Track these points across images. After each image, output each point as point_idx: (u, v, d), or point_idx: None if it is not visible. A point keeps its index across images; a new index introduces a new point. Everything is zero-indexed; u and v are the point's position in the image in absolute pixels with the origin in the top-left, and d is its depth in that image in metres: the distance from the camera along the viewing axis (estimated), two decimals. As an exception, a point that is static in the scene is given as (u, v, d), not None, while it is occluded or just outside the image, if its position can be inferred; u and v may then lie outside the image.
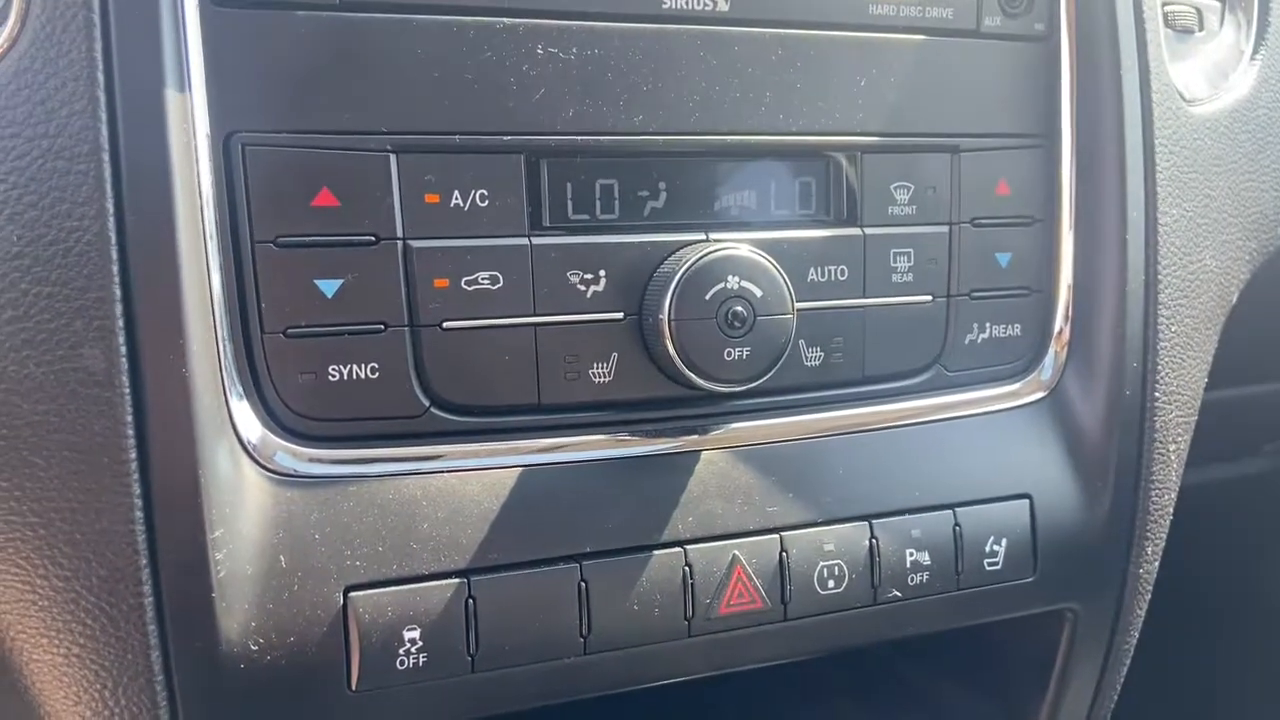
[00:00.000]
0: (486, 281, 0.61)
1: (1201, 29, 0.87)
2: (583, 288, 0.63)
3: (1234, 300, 0.87)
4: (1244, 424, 1.38)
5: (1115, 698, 0.83)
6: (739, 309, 0.62)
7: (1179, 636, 1.61)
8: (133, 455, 0.52)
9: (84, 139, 0.51)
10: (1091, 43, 0.74)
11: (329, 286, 0.58)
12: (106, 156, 0.51)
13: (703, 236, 0.65)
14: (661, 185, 0.66)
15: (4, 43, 0.51)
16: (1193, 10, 0.86)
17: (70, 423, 0.52)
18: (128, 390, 0.52)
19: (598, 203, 0.64)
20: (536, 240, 0.62)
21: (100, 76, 0.51)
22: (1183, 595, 1.59)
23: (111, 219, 0.52)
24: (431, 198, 0.60)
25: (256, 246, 0.56)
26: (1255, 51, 0.88)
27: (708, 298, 0.62)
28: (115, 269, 0.52)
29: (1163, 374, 0.76)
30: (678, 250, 0.64)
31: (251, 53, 0.56)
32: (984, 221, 0.73)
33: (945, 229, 0.72)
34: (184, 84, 0.54)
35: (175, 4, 0.53)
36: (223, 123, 0.55)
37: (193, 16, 0.54)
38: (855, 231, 0.70)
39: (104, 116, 0.51)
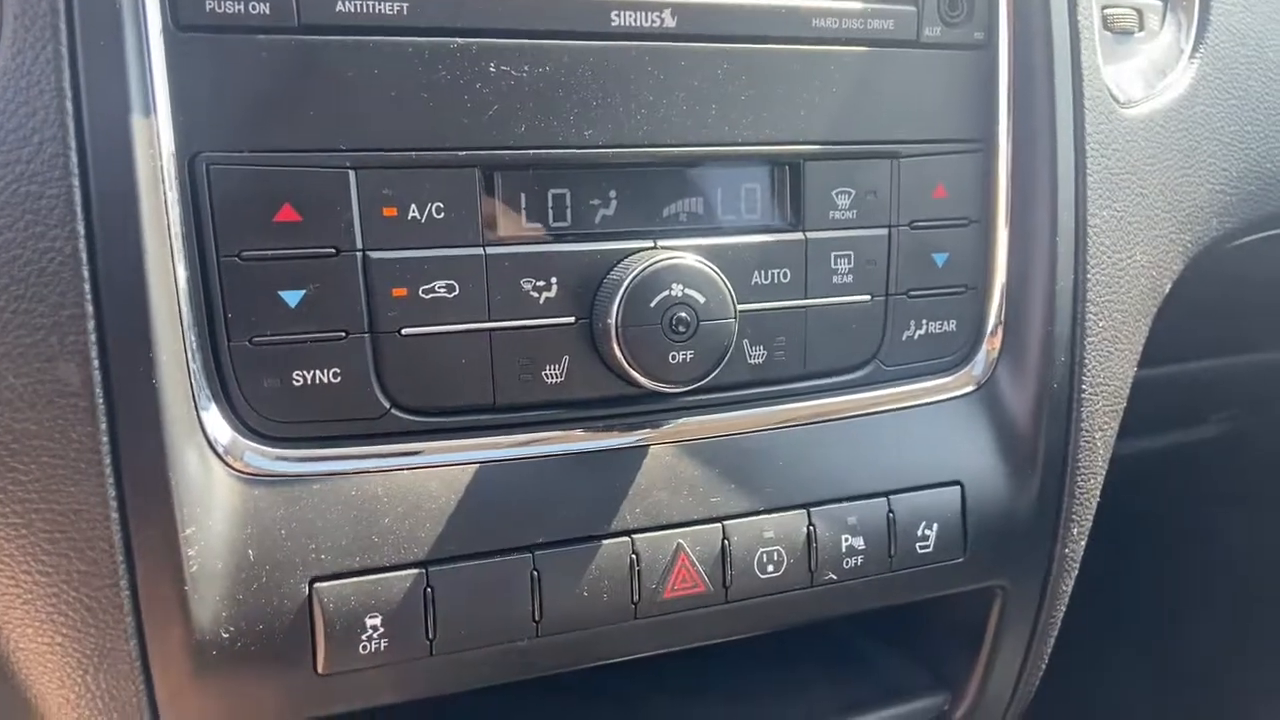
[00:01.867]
0: (443, 290, 0.64)
1: (1142, 29, 0.90)
2: (535, 294, 0.66)
3: (1166, 290, 0.91)
4: (1190, 397, 1.43)
5: (1043, 667, 0.89)
6: (683, 315, 0.66)
7: (1134, 586, 1.69)
8: (108, 460, 0.56)
9: (55, 165, 0.54)
10: (1028, 50, 0.77)
11: (292, 297, 0.61)
12: (76, 181, 0.54)
13: (650, 244, 0.69)
14: (611, 194, 0.69)
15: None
16: (1133, 12, 0.89)
17: (48, 431, 0.56)
18: (101, 400, 0.56)
19: (550, 211, 0.68)
20: (491, 250, 0.65)
21: (69, 105, 0.54)
22: (1137, 550, 1.67)
23: (83, 240, 0.55)
24: (389, 211, 0.63)
25: (222, 261, 0.59)
26: (1195, 50, 0.91)
27: (653, 304, 0.65)
28: (87, 287, 0.55)
29: (1090, 368, 0.80)
30: (626, 258, 0.68)
31: (214, 75, 0.58)
32: (922, 224, 0.77)
33: (885, 231, 0.76)
34: (149, 108, 0.57)
35: (140, 30, 0.56)
36: (188, 144, 0.58)
37: (157, 42, 0.57)
38: (798, 236, 0.73)
39: (73, 144, 0.54)
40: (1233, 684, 1.62)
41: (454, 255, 0.64)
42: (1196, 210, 0.91)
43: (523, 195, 0.67)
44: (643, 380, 0.66)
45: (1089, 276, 0.80)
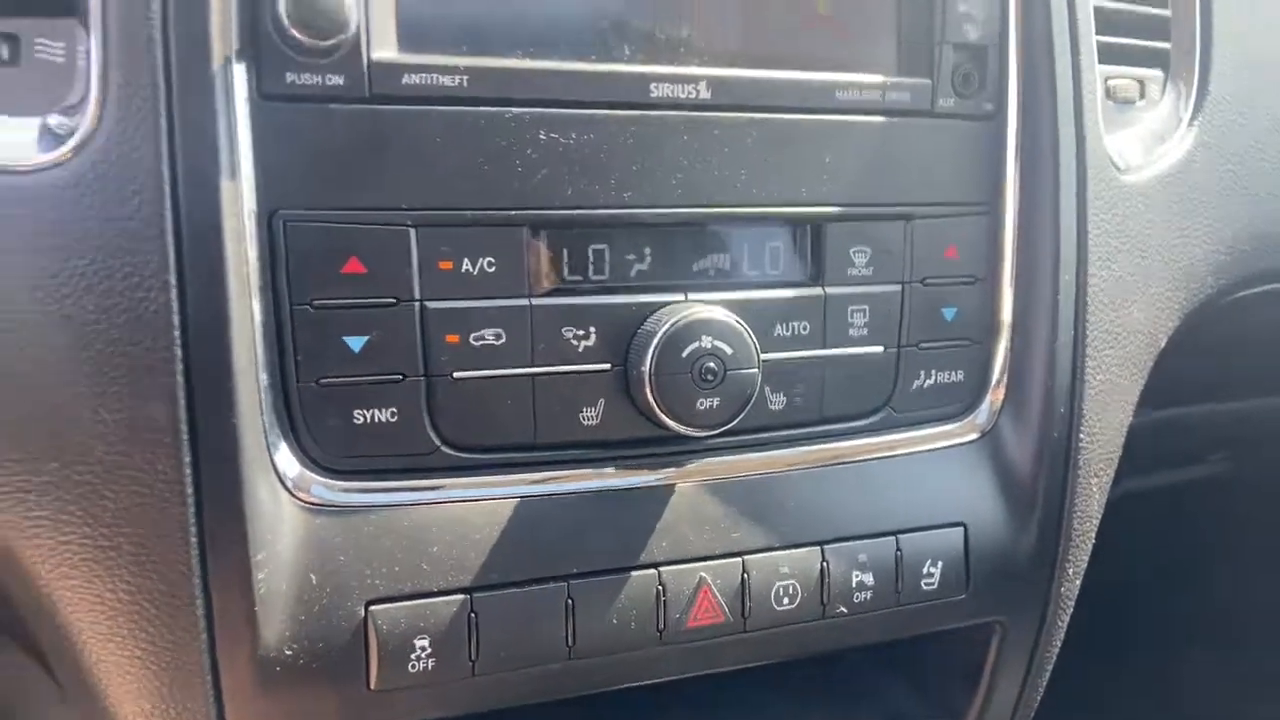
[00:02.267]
0: (492, 337, 0.70)
1: (1143, 98, 0.96)
2: (575, 342, 0.72)
3: (1162, 345, 0.96)
4: (1188, 439, 1.48)
5: (1038, 699, 0.94)
6: (711, 365, 0.71)
7: (1132, 622, 1.74)
8: (189, 491, 0.62)
9: (153, 222, 0.60)
10: (1034, 120, 0.83)
11: (356, 343, 0.67)
12: (170, 237, 0.60)
13: (681, 297, 0.74)
14: (647, 250, 0.75)
15: (82, 138, 0.59)
16: (1135, 82, 0.95)
17: (136, 462, 0.61)
18: (186, 436, 0.61)
19: (590, 265, 0.73)
20: (536, 301, 0.71)
21: (165, 169, 0.60)
22: (1135, 586, 1.71)
23: (174, 290, 0.60)
24: (445, 265, 0.68)
25: (295, 309, 0.65)
26: (1193, 118, 0.96)
27: (684, 355, 0.71)
28: (177, 333, 0.61)
29: (1088, 418, 0.86)
30: (659, 310, 0.73)
31: (292, 140, 0.64)
32: (933, 281, 0.82)
33: (898, 288, 0.81)
34: (235, 170, 0.62)
35: (229, 99, 0.62)
36: (267, 202, 0.64)
37: (243, 110, 0.63)
38: (818, 291, 0.79)
39: (169, 204, 0.60)
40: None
41: (503, 306, 0.70)
42: (1192, 269, 0.97)
43: (565, 250, 0.72)
44: (672, 424, 0.72)
45: (1088, 333, 0.85)
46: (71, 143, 0.59)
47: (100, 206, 0.59)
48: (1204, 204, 0.96)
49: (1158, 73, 0.97)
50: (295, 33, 0.61)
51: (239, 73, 0.62)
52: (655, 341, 0.71)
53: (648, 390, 0.71)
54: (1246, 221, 1.01)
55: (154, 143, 0.60)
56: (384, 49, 0.66)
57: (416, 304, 0.68)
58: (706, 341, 0.71)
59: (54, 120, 0.60)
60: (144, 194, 0.60)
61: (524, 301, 0.71)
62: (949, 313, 0.83)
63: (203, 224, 0.61)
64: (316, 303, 0.66)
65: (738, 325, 0.72)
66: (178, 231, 0.60)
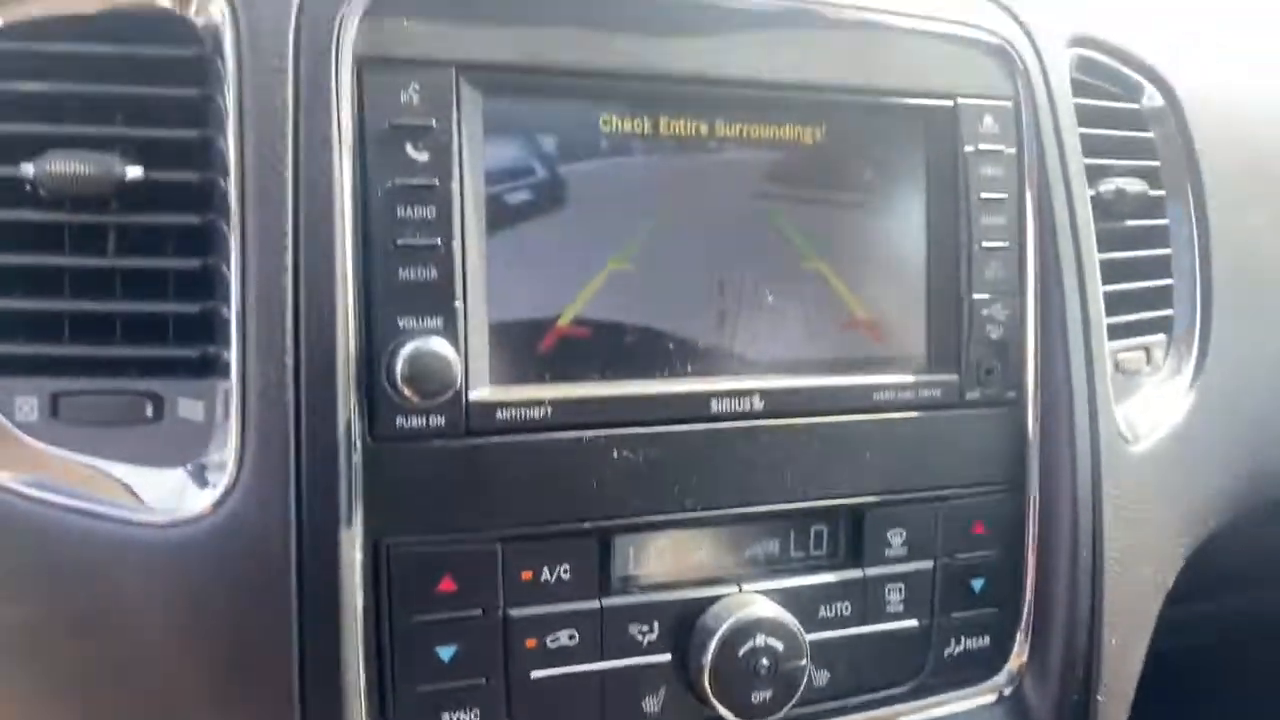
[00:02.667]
0: (566, 639, 0.77)
1: (1149, 364, 1.04)
2: (640, 638, 0.79)
3: (1170, 585, 1.03)
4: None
5: None
6: (765, 661, 0.79)
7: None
8: None
9: (281, 570, 0.67)
10: (1052, 403, 0.91)
11: (446, 653, 0.74)
12: (294, 580, 0.68)
13: (736, 589, 0.82)
14: (704, 543, 0.82)
15: (220, 494, 0.67)
16: (1142, 352, 1.03)
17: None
18: None
19: (653, 560, 0.81)
20: (606, 603, 0.78)
21: (292, 518, 0.68)
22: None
23: (295, 628, 0.68)
24: (526, 575, 0.76)
25: (395, 626, 0.72)
26: (1194, 380, 1.05)
27: (740, 654, 0.78)
28: (294, 655, 0.68)
29: (1105, 680, 0.93)
30: (716, 603, 0.80)
31: (398, 475, 0.72)
32: (962, 557, 0.90)
33: (930, 564, 0.89)
34: (351, 508, 0.70)
35: (347, 448, 0.70)
36: (373, 532, 0.71)
37: (358, 454, 0.70)
38: (858, 573, 0.86)
39: (294, 552, 0.67)
40: None
41: (576, 610, 0.77)
42: (1195, 515, 1.04)
43: (631, 550, 0.80)
44: (728, 714, 0.79)
45: (1105, 600, 0.92)
46: (210, 499, 0.67)
47: (236, 558, 0.67)
48: (1206, 455, 1.04)
49: (1161, 338, 1.05)
50: (408, 392, 0.69)
51: (356, 422, 0.70)
52: (714, 641, 0.78)
53: (706, 683, 0.78)
54: (1247, 464, 1.09)
55: (284, 498, 0.67)
56: (479, 388, 0.74)
57: (500, 612, 0.75)
58: (760, 640, 0.79)
59: (193, 476, 0.68)
60: (274, 544, 0.67)
61: (595, 604, 0.78)
62: (977, 584, 0.91)
63: (320, 566, 0.69)
64: (414, 620, 0.73)
65: (788, 623, 0.80)
66: (300, 575, 0.68)
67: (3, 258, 0.69)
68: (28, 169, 0.67)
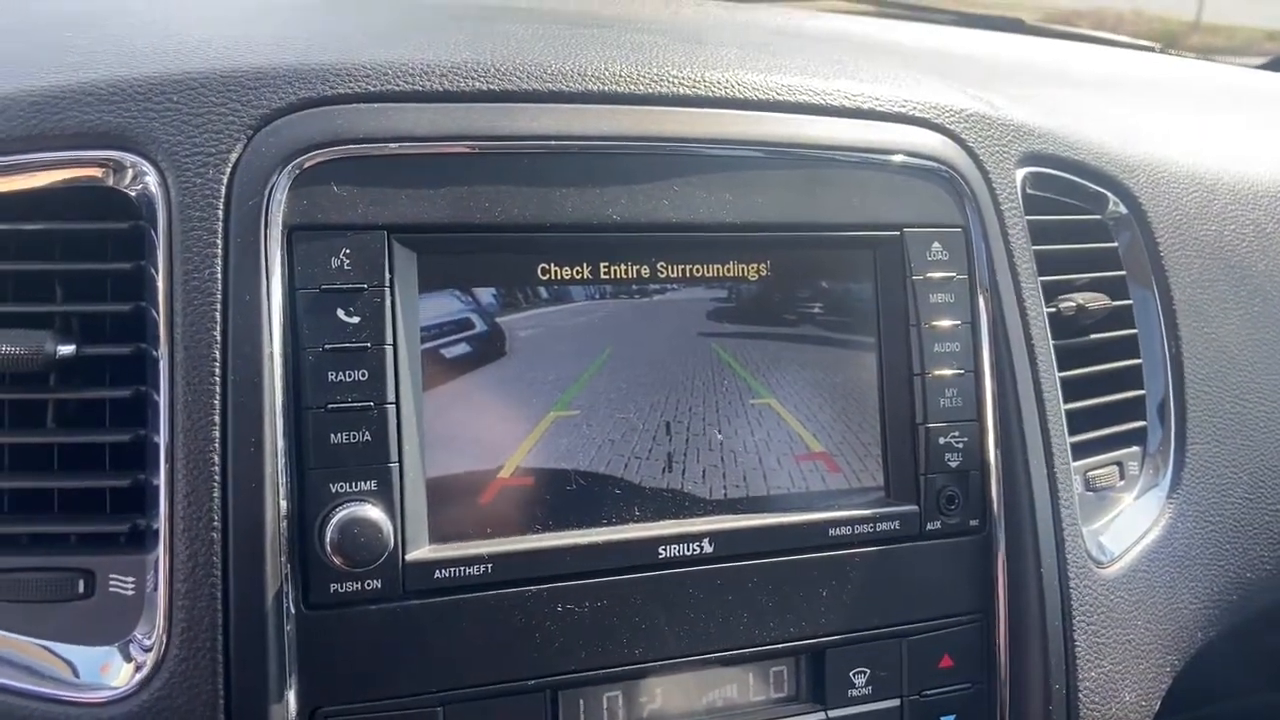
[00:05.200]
0: (516, 799, 0.75)
1: (1122, 479, 1.02)
2: None
3: (1156, 709, 1.00)
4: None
5: None
6: None
7: None
8: None
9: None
10: (1017, 529, 0.89)
11: None
12: None
13: (697, 732, 0.80)
14: (658, 690, 0.80)
15: (147, 672, 0.67)
16: (1114, 468, 1.01)
17: None
18: None
19: (604, 713, 0.79)
20: (555, 761, 0.76)
21: (221, 698, 0.67)
22: None
23: None
24: (471, 737, 0.74)
25: None
26: (1171, 493, 1.02)
27: None
28: None
29: (1086, 817, 0.89)
30: None
31: (333, 643, 0.71)
32: (930, 693, 0.87)
33: (897, 702, 0.86)
34: (284, 683, 0.69)
35: (279, 618, 0.69)
36: (309, 702, 0.70)
37: (290, 623, 0.70)
38: (820, 715, 0.84)
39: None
40: None
41: (525, 770, 0.75)
42: (1181, 632, 1.01)
43: (581, 704, 0.78)
44: None
45: (1081, 732, 0.89)
46: (138, 676, 0.66)
47: (162, 740, 0.66)
48: (1188, 569, 1.01)
49: (1136, 450, 1.03)
50: (338, 560, 0.69)
51: (289, 590, 0.69)
52: None
53: None
54: (1235, 573, 1.06)
55: (213, 672, 0.67)
56: (417, 548, 0.73)
57: (449, 805, 0.73)
58: (718, 792, 0.76)
59: (122, 652, 0.67)
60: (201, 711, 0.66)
61: (544, 762, 0.76)
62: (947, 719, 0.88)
63: None
64: (351, 791, 0.71)
65: None
66: None
67: (-59, 436, 0.70)
68: (-40, 350, 0.68)
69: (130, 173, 0.71)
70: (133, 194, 0.71)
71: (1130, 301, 1.04)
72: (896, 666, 0.86)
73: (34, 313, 0.71)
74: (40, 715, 0.67)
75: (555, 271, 0.79)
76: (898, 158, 0.88)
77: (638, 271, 0.81)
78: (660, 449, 0.81)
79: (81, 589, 0.69)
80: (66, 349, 0.69)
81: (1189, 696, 1.06)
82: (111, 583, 0.69)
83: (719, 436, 0.83)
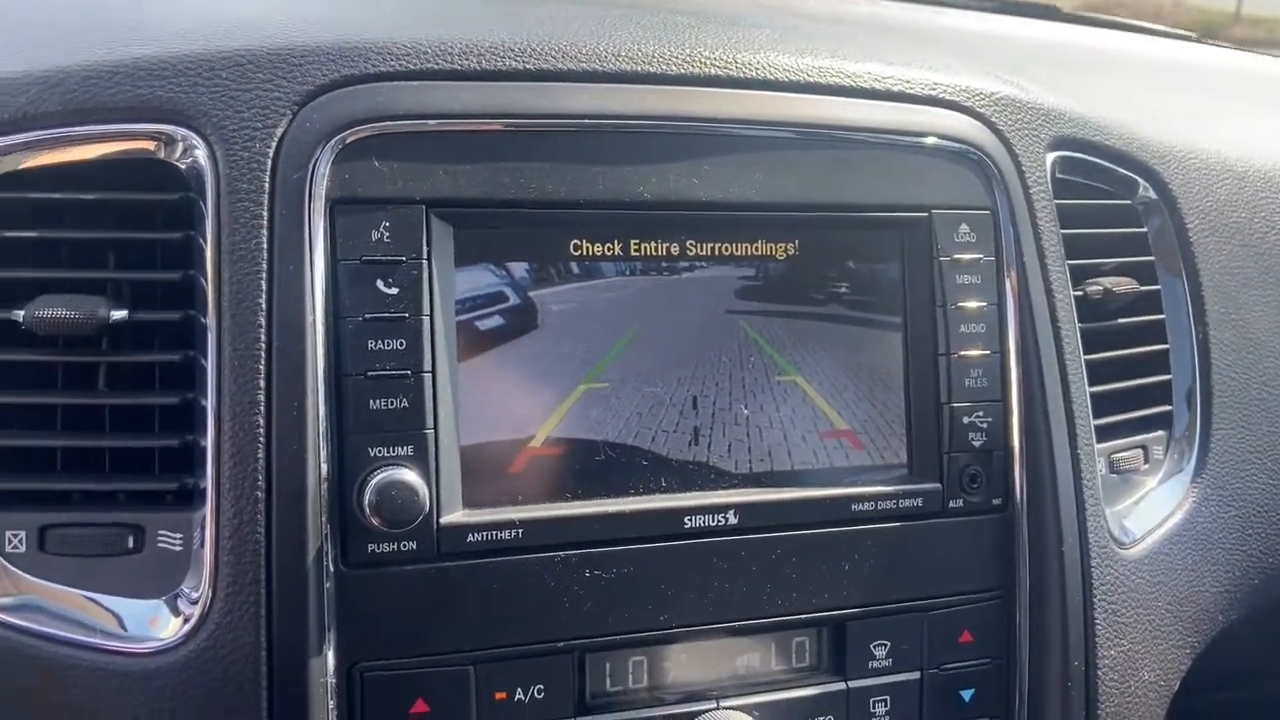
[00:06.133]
0: (542, 761, 0.78)
1: (1147, 462, 1.03)
2: None
3: (1175, 688, 1.01)
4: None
5: None
6: None
7: None
8: None
9: (251, 697, 0.69)
10: (1039, 508, 0.90)
11: None
12: (264, 709, 0.69)
13: (713, 704, 0.82)
14: (682, 657, 0.83)
15: (194, 624, 0.69)
16: (1139, 451, 1.02)
17: None
18: None
19: (629, 676, 0.81)
20: (581, 722, 0.79)
21: (263, 648, 0.70)
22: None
23: None
24: (500, 695, 0.77)
25: None
26: (1197, 475, 1.03)
27: None
28: None
29: (1103, 792, 0.91)
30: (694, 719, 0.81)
31: (370, 600, 0.73)
32: (950, 667, 0.89)
33: (917, 675, 0.88)
34: (322, 635, 0.72)
35: (319, 574, 0.71)
36: (346, 657, 0.73)
37: (330, 579, 0.72)
38: (840, 685, 0.86)
39: (264, 681, 0.69)
40: None
41: (552, 731, 0.78)
42: (1202, 614, 1.02)
43: (607, 668, 0.81)
44: (706, 835, 0.79)
45: (1099, 709, 0.91)
46: (184, 628, 0.69)
47: (207, 687, 0.69)
48: (1210, 553, 1.02)
49: (1161, 434, 1.04)
50: (376, 521, 0.71)
51: (329, 549, 0.72)
52: None
53: None
54: (1256, 558, 1.07)
55: (256, 626, 0.70)
56: (451, 512, 0.75)
57: (474, 736, 0.76)
58: (738, 759, 0.79)
59: (169, 606, 0.70)
60: (245, 672, 0.69)
61: (571, 724, 0.79)
62: (967, 694, 0.90)
63: (292, 688, 0.70)
64: (386, 744, 0.74)
65: None
66: (270, 702, 0.70)
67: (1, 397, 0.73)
68: (18, 313, 0.71)
69: (180, 146, 0.74)
70: (183, 166, 0.74)
71: (1158, 287, 1.04)
72: (917, 640, 0.88)
73: (88, 279, 0.74)
74: (91, 665, 0.70)
75: (587, 248, 0.81)
76: (928, 140, 0.89)
77: (668, 249, 0.83)
78: (687, 423, 0.83)
79: (131, 544, 0.72)
80: (119, 314, 0.72)
81: (1208, 679, 1.07)
82: (160, 538, 0.72)
83: (745, 412, 0.85)
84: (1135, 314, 1.03)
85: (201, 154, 0.73)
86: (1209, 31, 1.87)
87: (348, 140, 0.74)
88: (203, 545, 0.71)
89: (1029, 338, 0.91)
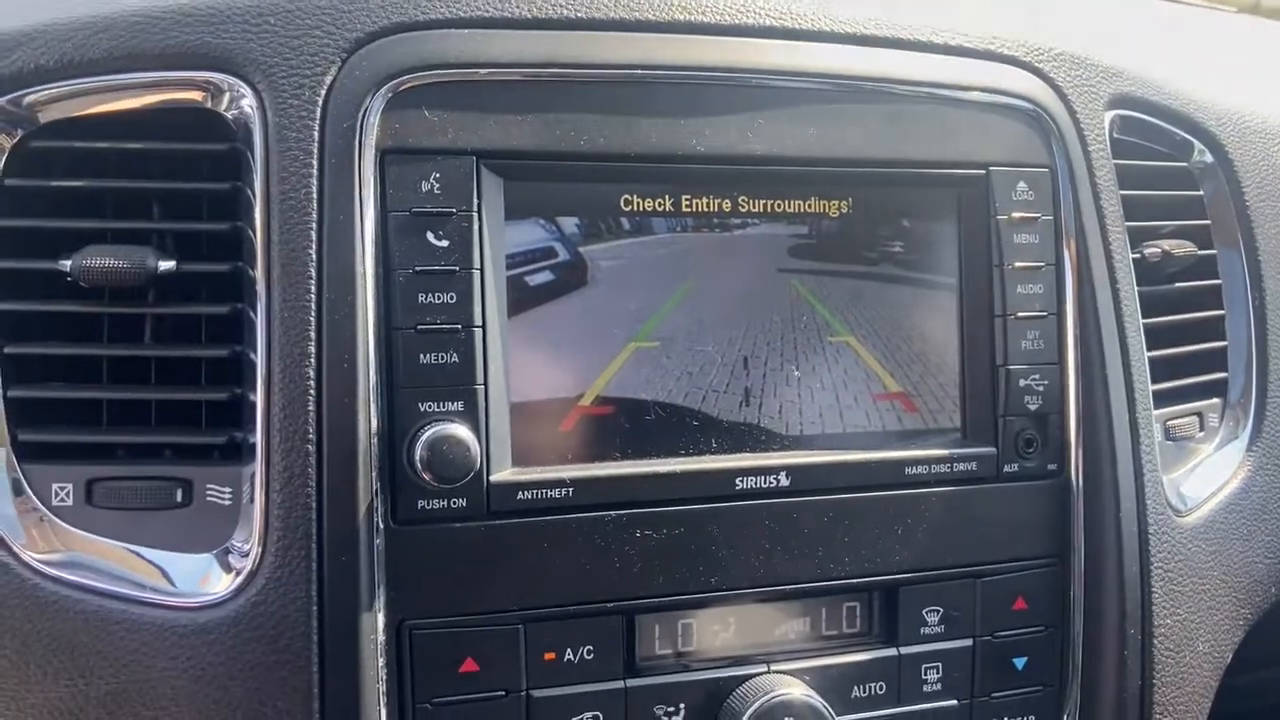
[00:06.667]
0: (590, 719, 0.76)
1: (1202, 430, 1.00)
2: (665, 719, 0.78)
3: (1229, 660, 0.99)
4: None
5: None
6: None
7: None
8: None
9: (301, 654, 0.68)
10: (1095, 474, 0.88)
11: None
12: (315, 663, 0.68)
13: (764, 668, 0.81)
14: (731, 621, 0.81)
15: (244, 578, 0.68)
16: (1194, 418, 0.99)
17: None
18: None
19: (679, 639, 0.80)
20: (631, 683, 0.77)
21: (314, 603, 0.69)
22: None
23: (316, 713, 0.68)
24: (549, 656, 0.76)
25: (416, 708, 0.72)
26: (1251, 443, 1.01)
27: None
28: None
29: (1157, 763, 0.89)
30: (743, 684, 0.79)
31: (420, 557, 0.72)
32: (1003, 634, 0.87)
33: (969, 642, 0.86)
34: (373, 591, 0.71)
35: (370, 530, 0.70)
36: (395, 614, 0.72)
37: (379, 536, 0.71)
38: (892, 652, 0.84)
39: (315, 636, 0.68)
40: None
41: (600, 690, 0.77)
42: (1255, 585, 1.00)
43: (657, 628, 0.79)
44: (755, 798, 0.77)
45: (1155, 679, 0.89)
46: (234, 583, 0.68)
47: (257, 641, 0.68)
48: (1265, 522, 1.00)
49: (1216, 402, 1.02)
50: (428, 476, 0.70)
51: (379, 505, 0.71)
52: None
53: None
54: (1312, 528, 1.05)
55: (306, 581, 0.69)
56: (500, 470, 0.74)
57: (523, 694, 0.75)
58: (787, 722, 0.77)
59: (219, 560, 0.69)
60: (295, 627, 0.68)
61: (619, 684, 0.77)
62: (1019, 662, 0.88)
63: (343, 644, 0.69)
64: (436, 700, 0.73)
65: (817, 705, 0.78)
66: (321, 657, 0.69)
67: (46, 348, 0.72)
68: (65, 264, 0.70)
69: (227, 95, 0.73)
70: (230, 116, 0.73)
71: (1214, 251, 1.02)
72: (970, 607, 0.86)
73: (135, 229, 0.72)
74: (140, 620, 0.69)
75: (638, 202, 0.79)
76: (986, 96, 0.86)
77: (719, 205, 0.81)
78: (738, 383, 0.81)
79: (179, 498, 0.71)
80: (167, 264, 0.71)
81: (1257, 657, 1.05)
82: (209, 492, 0.71)
83: (796, 373, 0.83)
84: (1191, 278, 1.00)
85: (249, 102, 0.72)
86: (1244, 6, 1.83)
87: (398, 89, 0.72)
88: (252, 500, 0.70)
89: (1087, 300, 0.88)
